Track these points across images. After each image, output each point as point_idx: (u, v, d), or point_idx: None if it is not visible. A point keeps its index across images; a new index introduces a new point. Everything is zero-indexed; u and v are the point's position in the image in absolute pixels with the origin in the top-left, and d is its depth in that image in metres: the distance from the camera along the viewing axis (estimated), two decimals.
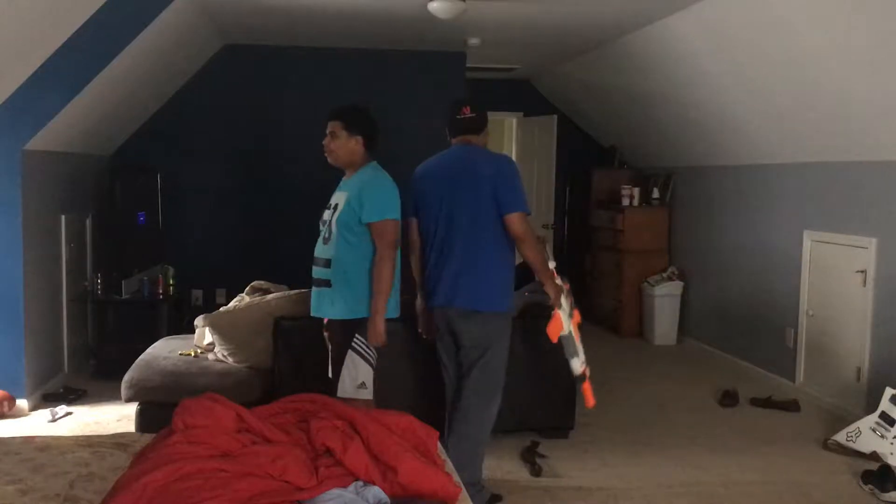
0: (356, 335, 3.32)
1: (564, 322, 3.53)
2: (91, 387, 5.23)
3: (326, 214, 3.44)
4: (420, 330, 3.72)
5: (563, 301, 3.54)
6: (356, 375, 3.31)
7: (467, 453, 3.44)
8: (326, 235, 3.40)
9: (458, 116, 3.56)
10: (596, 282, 7.73)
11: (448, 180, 3.50)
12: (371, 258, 3.30)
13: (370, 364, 3.34)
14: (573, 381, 3.81)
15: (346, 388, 3.30)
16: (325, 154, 3.47)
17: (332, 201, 3.45)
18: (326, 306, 3.38)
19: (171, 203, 6.61)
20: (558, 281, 3.55)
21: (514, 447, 4.13)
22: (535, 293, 4.67)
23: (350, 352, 3.31)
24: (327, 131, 3.45)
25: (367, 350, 3.33)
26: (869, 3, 3.90)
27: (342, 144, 3.42)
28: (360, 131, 3.43)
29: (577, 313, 3.62)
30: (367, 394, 3.32)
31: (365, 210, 3.29)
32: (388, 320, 3.33)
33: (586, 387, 3.63)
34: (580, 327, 3.68)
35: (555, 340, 3.55)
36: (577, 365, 3.58)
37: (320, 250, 3.42)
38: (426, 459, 2.40)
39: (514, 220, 3.36)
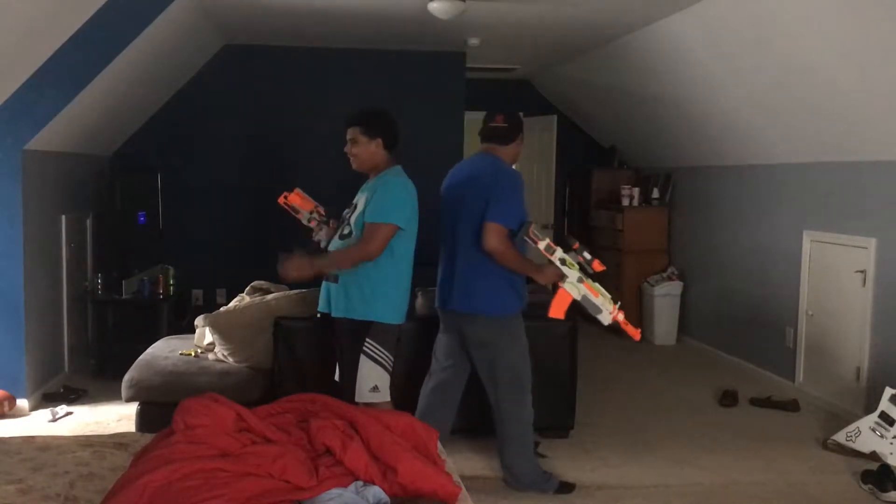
0: (367, 339, 3.32)
1: (573, 291, 3.48)
2: (91, 387, 5.23)
3: (346, 212, 3.48)
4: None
5: (567, 271, 3.48)
6: (368, 379, 3.31)
7: (519, 452, 3.62)
8: (344, 232, 3.41)
9: (490, 124, 3.66)
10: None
11: (458, 188, 3.66)
12: (383, 261, 3.31)
13: (384, 367, 3.34)
14: (568, 382, 3.83)
15: (362, 393, 3.31)
16: (350, 161, 3.49)
17: (354, 201, 3.47)
18: (332, 301, 3.39)
19: (171, 203, 6.61)
20: (558, 254, 3.48)
21: None
22: (535, 293, 4.68)
23: (362, 356, 3.31)
24: (347, 138, 3.46)
25: (380, 353, 3.32)
26: (868, 3, 3.90)
27: (363, 149, 3.44)
28: (378, 133, 3.43)
29: (595, 264, 3.50)
30: (382, 397, 3.32)
31: (368, 210, 3.30)
32: (391, 325, 3.36)
33: (624, 327, 3.56)
34: (600, 276, 3.57)
35: (562, 317, 3.53)
36: (606, 318, 3.54)
37: (334, 245, 3.44)
38: (426, 459, 2.40)
39: (488, 230, 3.40)
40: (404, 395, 4.13)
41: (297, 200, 3.71)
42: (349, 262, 3.29)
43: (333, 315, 3.40)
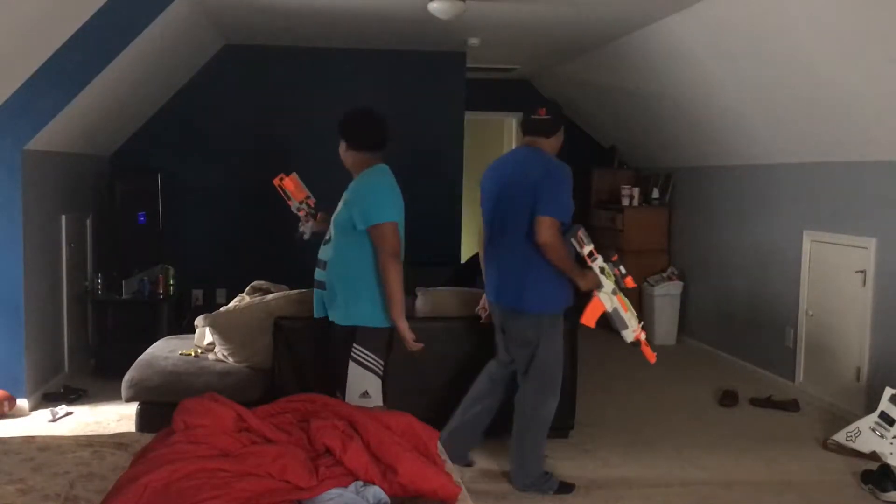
0: (354, 345, 3.28)
1: (606, 302, 3.54)
2: (91, 387, 5.23)
3: (334, 215, 3.46)
4: (478, 312, 3.96)
5: (605, 281, 3.54)
6: (358, 385, 3.29)
7: (529, 450, 3.64)
8: (327, 237, 3.41)
9: (532, 116, 3.68)
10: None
11: (502, 181, 3.67)
12: (367, 262, 3.27)
13: (374, 373, 3.30)
14: (568, 382, 3.84)
15: (352, 399, 3.29)
16: None
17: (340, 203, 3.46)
18: (324, 308, 3.39)
19: (171, 203, 6.61)
20: (598, 262, 3.53)
21: None
22: None
23: (350, 362, 3.29)
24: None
25: (369, 359, 3.29)
26: (868, 3, 3.90)
27: (341, 152, 3.48)
28: (353, 136, 3.43)
29: (629, 280, 3.57)
30: (374, 402, 3.29)
31: (357, 215, 3.26)
32: (379, 329, 3.30)
33: (643, 349, 3.63)
34: (629, 292, 3.65)
35: (592, 325, 3.58)
36: (629, 335, 3.59)
37: (321, 251, 3.43)
38: (426, 459, 2.40)
39: (540, 223, 3.42)
40: (406, 398, 4.14)
41: (291, 186, 3.69)
42: (395, 288, 3.22)
43: (330, 318, 3.39)
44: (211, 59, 6.76)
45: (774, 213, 5.79)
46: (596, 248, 3.55)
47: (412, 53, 7.01)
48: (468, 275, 5.95)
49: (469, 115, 7.44)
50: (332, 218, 3.39)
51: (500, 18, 5.56)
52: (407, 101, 7.10)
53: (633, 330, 3.57)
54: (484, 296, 3.92)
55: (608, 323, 3.59)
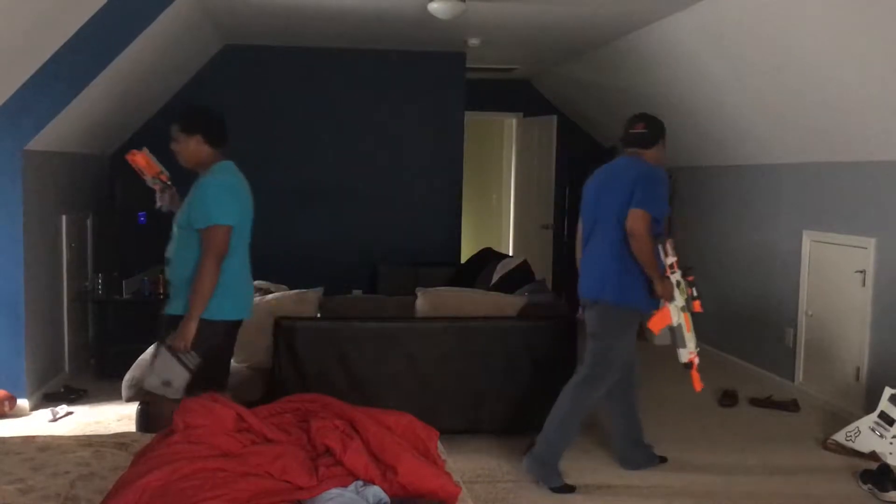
0: (173, 335, 3.23)
1: (674, 315, 3.66)
2: (91, 387, 5.23)
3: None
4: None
5: (677, 295, 3.65)
6: (163, 372, 3.22)
7: (553, 434, 3.70)
8: (171, 235, 3.37)
9: (631, 131, 3.82)
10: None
11: (601, 183, 3.82)
12: (188, 262, 3.24)
13: (185, 367, 3.21)
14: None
15: (151, 381, 3.23)
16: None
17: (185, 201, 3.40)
18: (170, 304, 3.34)
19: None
20: (676, 276, 3.66)
21: (515, 447, 4.13)
22: (534, 293, 4.68)
23: (163, 348, 3.22)
24: (172, 136, 3.41)
25: (184, 353, 3.21)
26: (868, 3, 3.90)
27: (183, 146, 3.38)
28: (197, 130, 3.36)
29: (697, 304, 3.73)
30: (174, 393, 3.20)
31: (194, 215, 3.23)
32: (203, 322, 3.21)
33: (693, 374, 3.74)
34: (695, 316, 3.76)
35: (656, 332, 3.73)
36: (684, 355, 3.70)
37: (167, 249, 3.41)
38: (426, 459, 2.40)
39: (632, 214, 3.53)
40: (406, 398, 4.14)
41: (143, 162, 3.61)
42: (204, 290, 3.17)
43: (166, 312, 3.33)
44: (211, 59, 6.76)
45: (774, 213, 5.79)
46: (678, 264, 3.68)
47: (412, 53, 7.01)
48: (469, 275, 5.95)
49: (469, 115, 7.44)
50: (176, 216, 3.35)
51: (500, 18, 5.56)
52: (407, 101, 7.10)
53: (689, 351, 3.68)
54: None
55: (686, 364, 3.71)
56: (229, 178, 3.36)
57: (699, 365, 3.76)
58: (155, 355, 3.30)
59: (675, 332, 3.68)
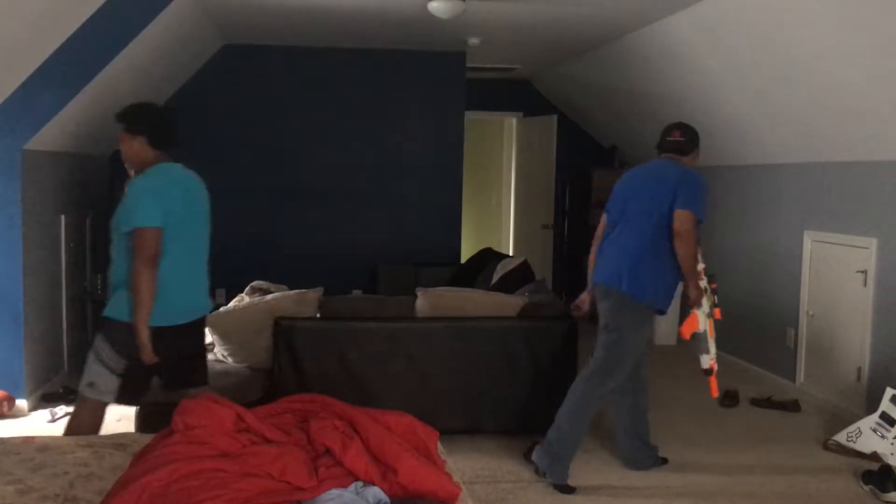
0: (100, 336, 3.20)
1: (701, 322, 3.70)
2: None
3: None
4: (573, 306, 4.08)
5: (704, 302, 3.69)
6: (88, 374, 3.20)
7: (565, 420, 3.72)
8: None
9: (669, 138, 3.91)
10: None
11: (635, 181, 3.91)
12: (120, 262, 3.19)
13: (109, 370, 3.17)
14: (569, 382, 3.86)
15: (81, 384, 3.24)
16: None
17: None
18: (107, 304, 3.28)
19: None
20: (703, 283, 3.70)
21: (516, 447, 4.13)
22: (535, 293, 4.68)
23: (91, 351, 3.20)
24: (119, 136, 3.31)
25: (104, 352, 3.18)
26: (869, 3, 3.90)
27: (126, 147, 3.27)
28: (141, 130, 3.24)
29: (717, 311, 3.77)
30: (97, 395, 3.19)
31: (118, 218, 3.16)
32: (124, 324, 3.14)
33: (712, 380, 3.80)
34: (717, 324, 3.81)
35: (686, 338, 3.76)
36: (706, 361, 3.76)
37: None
38: (426, 460, 2.40)
39: (679, 215, 3.57)
40: (406, 398, 4.13)
41: None
42: (143, 296, 3.05)
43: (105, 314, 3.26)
44: (211, 59, 6.76)
45: (775, 213, 5.79)
46: (704, 271, 3.72)
47: (412, 53, 7.01)
48: (469, 275, 5.95)
49: (469, 115, 7.44)
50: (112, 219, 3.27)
51: (500, 18, 5.56)
52: (407, 100, 7.10)
53: (710, 357, 3.72)
54: (584, 292, 4.01)
55: (706, 370, 3.76)
56: (155, 181, 3.19)
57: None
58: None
59: (700, 337, 3.72)
